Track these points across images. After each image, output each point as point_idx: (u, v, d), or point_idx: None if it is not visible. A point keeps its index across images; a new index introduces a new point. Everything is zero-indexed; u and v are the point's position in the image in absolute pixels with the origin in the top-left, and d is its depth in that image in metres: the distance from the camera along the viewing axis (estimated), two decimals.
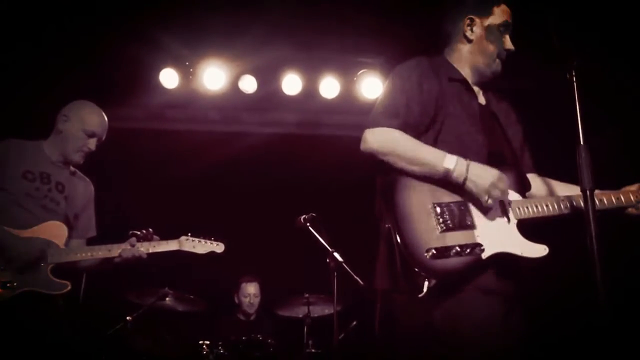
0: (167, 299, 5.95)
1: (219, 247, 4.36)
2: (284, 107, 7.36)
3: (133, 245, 3.96)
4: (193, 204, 7.16)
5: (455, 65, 3.08)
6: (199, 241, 4.27)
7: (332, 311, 5.19)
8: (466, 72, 3.07)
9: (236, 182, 7.41)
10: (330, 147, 7.36)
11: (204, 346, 5.77)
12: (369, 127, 2.83)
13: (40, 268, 3.73)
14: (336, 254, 5.07)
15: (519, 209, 2.77)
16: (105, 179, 6.93)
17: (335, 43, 6.57)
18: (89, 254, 3.92)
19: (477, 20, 3.05)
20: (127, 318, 5.68)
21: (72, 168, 4.11)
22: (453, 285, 2.61)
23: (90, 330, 5.63)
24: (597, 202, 2.67)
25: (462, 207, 2.69)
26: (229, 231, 7.07)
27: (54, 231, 3.85)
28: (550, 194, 3.09)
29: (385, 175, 2.79)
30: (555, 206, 2.85)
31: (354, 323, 6.04)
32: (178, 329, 6.27)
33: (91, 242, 4.16)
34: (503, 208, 2.74)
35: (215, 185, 7.38)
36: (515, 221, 2.73)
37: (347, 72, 7.01)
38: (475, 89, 3.08)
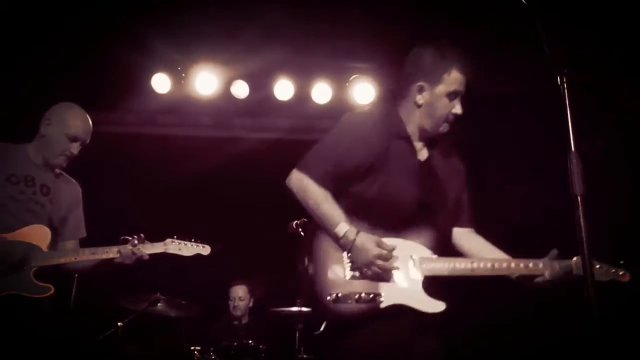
0: (158, 304, 5.93)
1: (205, 250, 4.28)
2: (276, 112, 7.36)
3: (134, 246, 3.93)
4: (185, 208, 7.14)
5: (405, 120, 3.21)
6: (185, 244, 4.20)
7: None
8: (412, 129, 3.19)
9: (228, 188, 7.40)
10: None
11: (195, 352, 5.76)
12: (297, 167, 3.15)
13: (24, 271, 3.72)
14: None
15: (427, 266, 2.97)
16: (97, 183, 6.93)
17: (327, 48, 6.58)
18: (72, 257, 3.90)
19: (427, 87, 3.13)
20: (119, 324, 5.66)
21: (57, 170, 4.07)
22: (349, 330, 2.88)
23: (81, 335, 5.62)
24: (502, 265, 3.04)
25: None
26: (221, 236, 7.08)
27: (37, 234, 3.83)
28: (476, 252, 3.24)
29: (310, 219, 3.09)
30: (464, 267, 3.02)
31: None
32: (170, 334, 6.26)
33: (82, 243, 4.13)
34: (411, 263, 2.97)
35: (207, 190, 7.37)
36: (421, 277, 2.95)
37: (340, 77, 7.03)
38: (420, 144, 3.22)
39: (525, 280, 3.10)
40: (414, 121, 3.20)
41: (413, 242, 3.01)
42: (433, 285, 2.97)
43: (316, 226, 3.05)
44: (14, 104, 6.02)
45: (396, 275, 2.93)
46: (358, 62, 6.94)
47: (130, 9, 5.72)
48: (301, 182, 3.11)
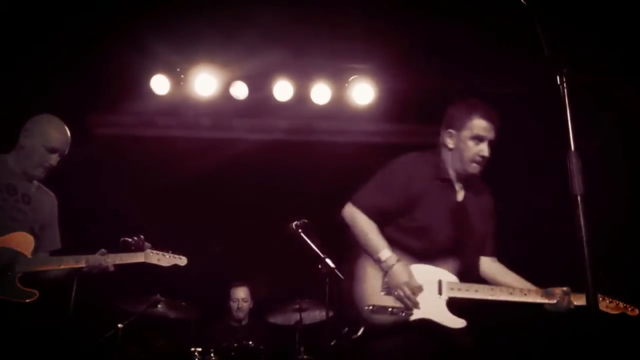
0: (158, 305, 5.93)
1: (182, 261, 4.48)
2: (275, 113, 7.35)
3: (103, 256, 4.05)
4: (184, 210, 7.14)
5: (446, 164, 3.75)
6: (163, 254, 4.38)
7: (323, 317, 5.18)
8: (451, 172, 3.75)
9: (227, 189, 7.40)
10: (322, 153, 7.36)
11: (196, 353, 5.75)
12: (350, 201, 3.74)
13: (8, 277, 3.82)
14: (328, 260, 5.05)
15: (451, 289, 3.52)
16: (96, 184, 6.94)
17: (326, 49, 6.58)
18: (55, 264, 4.02)
19: (455, 132, 3.70)
20: (119, 325, 5.66)
21: (35, 182, 4.16)
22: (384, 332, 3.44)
23: (81, 337, 5.62)
24: (521, 294, 3.56)
25: None
26: (221, 237, 7.10)
27: (21, 241, 3.94)
28: (496, 279, 3.77)
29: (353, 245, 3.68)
30: (484, 292, 3.54)
31: (346, 329, 6.04)
32: (170, 336, 6.25)
33: (55, 254, 4.23)
34: (439, 285, 3.52)
35: (207, 192, 7.37)
36: (447, 297, 3.50)
37: (339, 78, 7.02)
38: (458, 185, 3.77)
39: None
40: (449, 164, 3.75)
41: (442, 269, 3.56)
42: (456, 305, 3.50)
43: (359, 247, 3.64)
44: (12, 106, 6.01)
45: (425, 294, 3.48)
46: (357, 62, 6.94)
47: (129, 11, 5.71)
48: (352, 214, 3.71)
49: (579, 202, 2.38)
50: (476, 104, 3.73)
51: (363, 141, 7.62)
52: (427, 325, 3.45)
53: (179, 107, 7.20)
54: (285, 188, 7.35)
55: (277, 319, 6.55)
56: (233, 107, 7.19)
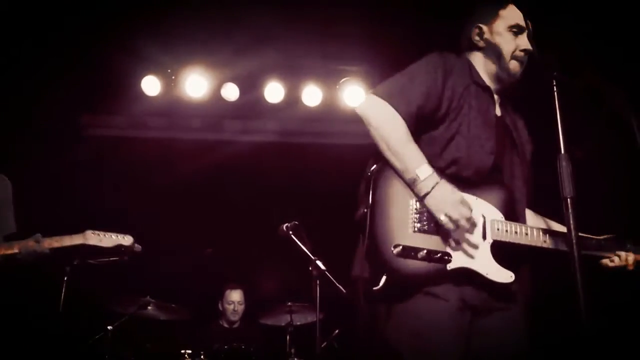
0: (149, 307, 5.90)
1: (126, 240, 4.16)
2: (266, 115, 7.36)
3: (38, 242, 3.88)
4: (176, 212, 7.12)
5: (477, 68, 3.02)
6: (105, 235, 4.11)
7: (314, 319, 5.18)
8: (486, 80, 3.00)
9: (218, 190, 7.39)
10: (313, 155, 7.36)
11: (186, 355, 5.73)
12: (377, 94, 2.76)
13: None
14: (318, 262, 5.06)
15: (498, 229, 2.70)
16: (88, 186, 6.91)
17: (317, 51, 6.58)
18: None
19: (485, 27, 2.99)
20: (108, 327, 5.63)
21: None
22: (410, 290, 2.58)
23: (70, 339, 5.59)
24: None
25: None
26: (212, 239, 7.09)
27: None
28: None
29: (377, 159, 2.73)
30: (536, 236, 2.78)
31: (337, 331, 6.04)
32: (160, 338, 6.23)
33: (11, 237, 4.06)
34: (482, 224, 2.69)
35: (198, 193, 7.36)
36: (491, 241, 2.68)
37: (330, 80, 7.02)
38: (495, 97, 3.01)
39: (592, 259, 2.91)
40: (483, 69, 3.01)
41: (485, 202, 2.73)
42: (500, 252, 2.68)
43: (383, 170, 2.69)
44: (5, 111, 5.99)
45: (466, 234, 2.64)
46: (348, 64, 6.95)
47: (120, 12, 5.70)
48: (387, 111, 2.71)
49: (569, 205, 2.39)
50: None
51: (354, 143, 7.62)
52: (467, 276, 2.61)
53: (169, 109, 7.19)
54: (276, 190, 7.35)
55: (268, 321, 6.54)
56: (224, 109, 7.19)
